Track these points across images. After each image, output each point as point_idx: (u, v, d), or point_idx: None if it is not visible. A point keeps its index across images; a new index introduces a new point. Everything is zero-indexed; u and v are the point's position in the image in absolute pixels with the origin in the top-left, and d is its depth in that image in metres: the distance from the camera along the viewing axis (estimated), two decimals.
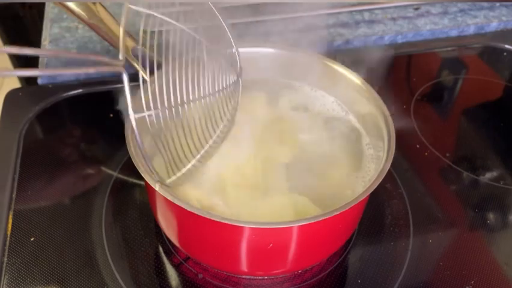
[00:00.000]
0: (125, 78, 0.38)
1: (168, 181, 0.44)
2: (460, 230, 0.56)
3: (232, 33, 0.51)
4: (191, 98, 0.44)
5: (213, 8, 0.48)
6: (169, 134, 0.43)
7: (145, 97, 0.41)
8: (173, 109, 0.42)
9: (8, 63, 1.14)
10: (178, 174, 0.45)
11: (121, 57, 0.39)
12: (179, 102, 0.43)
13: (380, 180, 0.44)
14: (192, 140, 0.45)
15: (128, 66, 0.54)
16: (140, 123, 0.40)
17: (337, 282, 0.51)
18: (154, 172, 0.42)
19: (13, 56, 1.11)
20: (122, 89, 0.38)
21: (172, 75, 0.43)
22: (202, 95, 0.45)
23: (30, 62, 0.77)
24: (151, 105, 0.41)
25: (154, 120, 0.41)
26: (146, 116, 0.41)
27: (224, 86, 0.48)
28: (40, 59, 0.73)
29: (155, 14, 0.43)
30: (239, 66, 0.51)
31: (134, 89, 0.50)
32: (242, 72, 0.51)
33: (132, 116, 0.39)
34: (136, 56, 0.54)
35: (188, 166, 0.45)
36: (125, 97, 0.38)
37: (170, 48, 0.43)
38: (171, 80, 0.43)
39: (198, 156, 0.46)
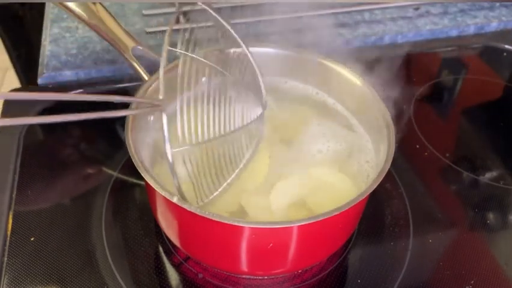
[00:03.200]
0: (164, 118, 0.41)
1: (199, 204, 0.45)
2: (460, 230, 0.56)
3: (256, 62, 0.51)
4: (217, 134, 0.46)
5: (234, 34, 0.49)
6: (199, 165, 0.46)
7: (174, 131, 0.43)
8: (202, 145, 0.45)
9: (7, 63, 1.14)
10: (208, 199, 0.46)
11: (161, 96, 0.42)
12: (206, 138, 0.45)
13: (380, 180, 0.44)
14: (219, 169, 0.47)
15: (128, 66, 0.54)
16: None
17: (337, 282, 0.51)
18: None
19: (13, 57, 1.11)
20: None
21: (195, 110, 0.45)
22: (226, 132, 0.47)
23: (31, 63, 0.77)
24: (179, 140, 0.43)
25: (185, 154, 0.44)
26: (180, 150, 0.43)
27: (248, 121, 0.50)
28: (40, 60, 0.73)
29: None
30: (264, 98, 0.52)
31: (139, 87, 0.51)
32: (267, 104, 0.52)
33: (169, 151, 0.41)
34: (136, 56, 0.55)
35: (216, 193, 0.46)
36: (163, 133, 0.41)
37: (191, 80, 0.44)
38: (198, 115, 0.45)
39: (225, 184, 0.47)
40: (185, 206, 0.40)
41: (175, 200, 0.41)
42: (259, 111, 0.51)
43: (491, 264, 0.53)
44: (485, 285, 0.51)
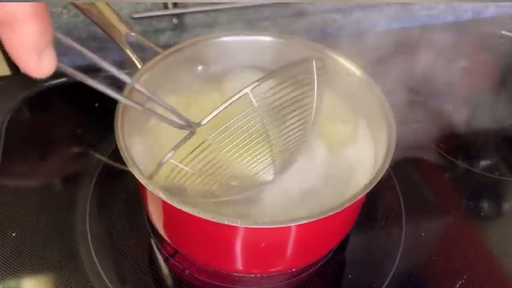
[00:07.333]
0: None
1: None
2: (453, 223, 0.56)
3: None
4: None
5: None
6: None
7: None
8: None
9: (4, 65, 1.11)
10: None
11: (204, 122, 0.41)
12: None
13: (378, 179, 0.41)
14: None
15: (121, 52, 0.52)
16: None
17: (328, 277, 0.51)
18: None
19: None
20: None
21: None
22: None
23: None
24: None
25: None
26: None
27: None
28: None
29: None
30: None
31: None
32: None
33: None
34: (129, 43, 0.52)
35: None
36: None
37: None
38: None
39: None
40: (181, 207, 0.39)
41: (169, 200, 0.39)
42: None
43: (484, 258, 0.53)
44: (478, 278, 0.51)
